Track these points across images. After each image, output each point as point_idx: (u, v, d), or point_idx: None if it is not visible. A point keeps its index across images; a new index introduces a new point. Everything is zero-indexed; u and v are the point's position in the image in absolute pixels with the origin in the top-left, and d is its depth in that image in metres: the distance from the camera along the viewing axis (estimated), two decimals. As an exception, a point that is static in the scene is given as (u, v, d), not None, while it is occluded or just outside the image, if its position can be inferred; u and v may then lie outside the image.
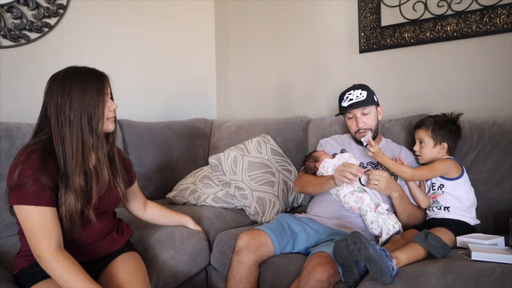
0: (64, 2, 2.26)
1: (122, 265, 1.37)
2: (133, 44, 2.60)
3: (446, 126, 1.64)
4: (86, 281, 1.15)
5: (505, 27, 1.82)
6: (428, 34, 2.04)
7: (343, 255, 1.27)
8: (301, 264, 1.48)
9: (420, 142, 1.68)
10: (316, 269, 1.33)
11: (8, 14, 2.07)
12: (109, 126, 1.31)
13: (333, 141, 1.94)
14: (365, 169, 1.67)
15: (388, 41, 2.18)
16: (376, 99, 1.80)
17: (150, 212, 1.66)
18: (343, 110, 1.80)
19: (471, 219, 1.58)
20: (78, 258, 1.19)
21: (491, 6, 1.85)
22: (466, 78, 1.96)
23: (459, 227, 1.52)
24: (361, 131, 1.77)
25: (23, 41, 2.12)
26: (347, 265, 1.30)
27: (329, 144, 1.93)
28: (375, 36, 2.23)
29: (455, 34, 1.96)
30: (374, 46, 2.24)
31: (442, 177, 1.61)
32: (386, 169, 1.72)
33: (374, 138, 1.80)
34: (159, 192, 2.36)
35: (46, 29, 2.20)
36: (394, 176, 1.71)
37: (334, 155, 1.83)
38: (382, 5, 2.19)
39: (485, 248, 1.32)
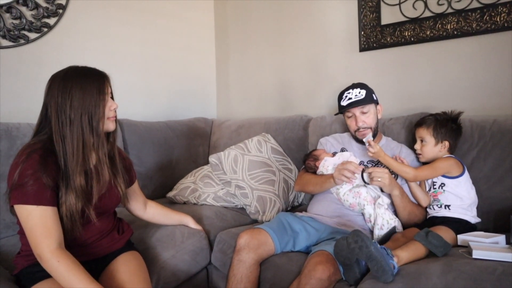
0: (63, 2, 2.26)
1: (123, 265, 1.37)
2: (132, 44, 2.60)
3: (447, 125, 1.63)
4: (87, 281, 1.15)
5: (506, 25, 1.81)
6: (428, 33, 2.04)
7: (344, 254, 1.27)
8: (301, 263, 1.48)
9: (421, 141, 1.67)
10: (317, 267, 1.33)
11: (7, 15, 2.06)
12: (109, 126, 1.31)
13: (333, 140, 1.94)
14: (364, 166, 1.67)
15: (388, 39, 2.18)
16: (375, 98, 1.79)
17: (151, 211, 1.66)
18: (342, 109, 1.80)
19: (472, 217, 1.58)
20: (78, 257, 1.19)
21: (491, 4, 1.84)
22: (467, 77, 1.96)
23: (460, 226, 1.53)
24: (361, 130, 1.77)
25: (22, 41, 2.11)
26: (348, 263, 1.30)
27: (329, 143, 1.93)
28: (375, 35, 2.22)
29: (455, 33, 1.95)
30: (374, 45, 2.23)
31: (443, 175, 1.61)
32: (387, 168, 1.73)
33: (374, 136, 1.80)
34: (159, 192, 2.36)
35: (45, 29, 2.19)
36: (395, 175, 1.71)
37: (334, 154, 1.83)
38: (382, 3, 2.18)
39: (486, 247, 1.32)
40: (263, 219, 1.99)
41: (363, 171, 1.62)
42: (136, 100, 2.64)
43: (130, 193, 1.55)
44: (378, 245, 1.25)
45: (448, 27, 1.97)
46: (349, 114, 1.79)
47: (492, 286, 1.12)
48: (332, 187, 1.72)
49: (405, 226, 1.63)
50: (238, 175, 2.09)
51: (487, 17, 1.86)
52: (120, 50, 2.53)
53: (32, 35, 2.15)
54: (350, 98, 1.75)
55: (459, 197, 1.57)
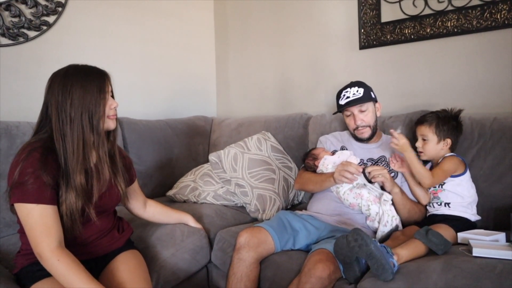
0: (63, 0, 2.25)
1: (123, 264, 1.37)
2: (132, 42, 2.59)
3: (449, 122, 1.62)
4: (87, 279, 1.15)
5: (506, 22, 1.81)
6: (428, 30, 2.03)
7: (344, 252, 1.27)
8: (301, 261, 1.48)
9: (423, 139, 1.65)
10: (317, 266, 1.33)
11: (6, 13, 2.06)
12: (110, 124, 1.31)
13: (333, 138, 1.94)
14: (364, 165, 1.66)
15: (388, 37, 2.17)
16: (373, 96, 1.79)
17: (150, 210, 1.66)
18: (340, 108, 1.80)
19: (472, 215, 1.58)
20: (78, 256, 1.19)
21: (491, 1, 1.84)
22: (467, 74, 1.96)
23: (460, 223, 1.52)
24: (360, 128, 1.77)
25: (21, 39, 2.11)
26: (348, 262, 1.30)
27: (329, 141, 1.93)
28: (375, 33, 2.22)
29: (455, 30, 1.95)
30: (374, 43, 2.23)
31: None
32: (388, 166, 1.73)
33: (373, 134, 1.80)
34: (159, 190, 2.36)
35: (44, 27, 2.19)
36: (395, 174, 1.71)
37: (334, 152, 1.82)
38: (382, 1, 2.18)
39: (486, 244, 1.32)
40: (263, 218, 1.99)
41: (363, 170, 1.61)
42: (136, 98, 2.63)
43: (130, 192, 1.55)
44: (378, 243, 1.25)
45: (448, 25, 1.97)
46: (348, 113, 1.79)
47: (492, 284, 1.12)
48: (332, 186, 1.72)
49: (405, 224, 1.63)
50: (238, 174, 2.09)
51: (488, 15, 1.85)
52: (120, 49, 2.53)
53: (32, 33, 2.15)
54: (348, 97, 1.75)
55: (459, 195, 1.57)
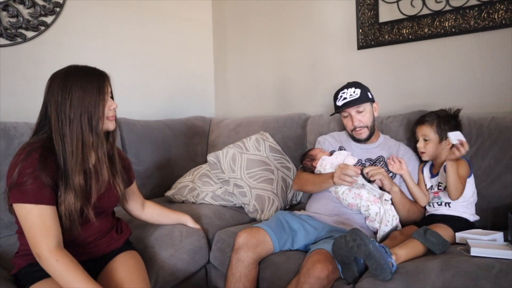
0: (61, 0, 2.25)
1: (122, 264, 1.37)
2: (130, 42, 2.59)
3: (450, 121, 1.62)
4: (85, 280, 1.15)
5: (504, 22, 1.81)
6: (426, 30, 2.04)
7: (342, 252, 1.27)
8: (300, 261, 1.48)
9: (424, 139, 1.65)
10: (316, 266, 1.33)
11: (4, 13, 2.05)
12: (109, 125, 1.31)
13: (331, 139, 1.94)
14: (362, 165, 1.67)
15: (386, 37, 2.18)
16: (370, 96, 1.79)
17: (149, 211, 1.66)
18: (337, 109, 1.80)
19: (471, 215, 1.58)
20: (77, 257, 1.19)
21: (489, 1, 1.84)
22: (465, 74, 1.96)
23: (459, 223, 1.53)
24: (357, 129, 1.77)
25: (19, 39, 2.10)
26: (346, 262, 1.30)
27: (327, 142, 1.93)
28: (373, 33, 2.22)
29: (453, 30, 1.95)
30: (372, 43, 2.23)
31: None
32: (385, 166, 1.73)
33: (371, 134, 1.80)
34: (157, 191, 2.36)
35: (42, 28, 2.18)
36: (393, 174, 1.71)
37: (331, 153, 1.83)
38: (380, 1, 2.18)
39: (484, 244, 1.32)
40: (261, 218, 1.99)
41: (361, 171, 1.62)
42: (134, 98, 2.63)
43: (129, 193, 1.54)
44: (377, 243, 1.26)
45: (446, 25, 1.97)
46: (345, 114, 1.80)
47: (490, 284, 1.12)
48: (331, 187, 1.72)
49: (403, 223, 1.63)
50: (237, 174, 2.08)
51: (485, 15, 1.86)
52: (118, 49, 2.53)
53: (29, 34, 2.14)
54: (345, 98, 1.75)
55: (462, 195, 1.56)
